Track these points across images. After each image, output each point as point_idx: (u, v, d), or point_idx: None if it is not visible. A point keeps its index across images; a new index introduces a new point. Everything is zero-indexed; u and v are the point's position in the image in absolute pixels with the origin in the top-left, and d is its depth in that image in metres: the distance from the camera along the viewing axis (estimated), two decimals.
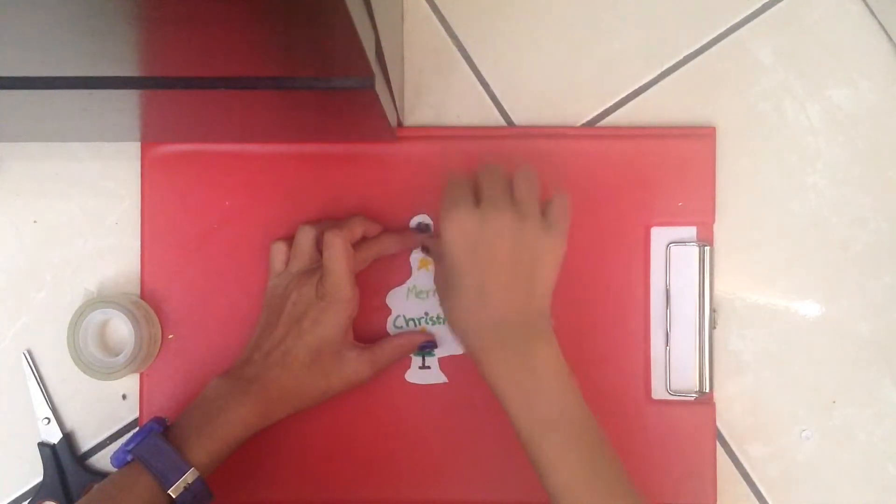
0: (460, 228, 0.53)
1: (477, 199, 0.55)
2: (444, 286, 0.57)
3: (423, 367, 0.63)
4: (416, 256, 0.64)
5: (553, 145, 0.64)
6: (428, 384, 0.63)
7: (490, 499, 0.63)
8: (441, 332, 0.63)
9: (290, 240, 0.62)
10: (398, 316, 0.64)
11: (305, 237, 0.60)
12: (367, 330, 0.63)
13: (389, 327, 0.64)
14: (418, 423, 0.63)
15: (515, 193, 0.55)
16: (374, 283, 0.63)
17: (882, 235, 0.65)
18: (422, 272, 0.64)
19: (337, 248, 0.57)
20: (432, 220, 0.64)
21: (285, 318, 0.58)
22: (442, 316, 0.64)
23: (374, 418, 0.63)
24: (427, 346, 0.63)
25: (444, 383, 0.63)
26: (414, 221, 0.64)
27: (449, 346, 0.63)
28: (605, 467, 0.52)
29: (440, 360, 0.63)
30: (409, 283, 0.64)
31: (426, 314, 0.64)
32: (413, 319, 0.64)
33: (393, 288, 0.64)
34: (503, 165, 0.57)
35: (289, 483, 0.63)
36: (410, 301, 0.64)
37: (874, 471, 0.64)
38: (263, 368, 0.58)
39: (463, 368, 0.63)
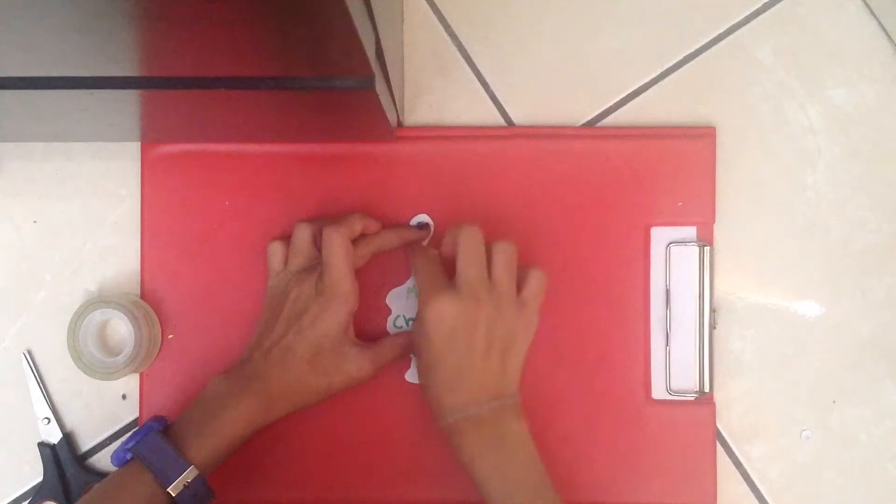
0: (439, 316, 0.55)
1: (450, 272, 0.57)
2: (422, 362, 0.58)
3: None
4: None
5: (553, 145, 0.64)
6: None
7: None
8: None
9: (287, 239, 0.62)
10: (398, 316, 0.64)
11: (303, 235, 0.60)
12: (367, 329, 0.63)
13: (389, 327, 0.64)
14: (418, 423, 0.63)
15: (493, 272, 0.57)
16: (373, 283, 0.63)
17: (882, 235, 0.65)
18: None
19: (336, 243, 0.57)
20: (432, 219, 0.64)
21: (285, 316, 0.58)
22: None
23: (374, 418, 0.63)
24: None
25: None
26: (414, 221, 0.64)
27: None
28: None
29: None
30: (409, 283, 0.64)
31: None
32: (413, 319, 0.64)
33: (393, 288, 0.64)
34: (480, 229, 0.58)
35: (289, 483, 0.63)
36: (410, 301, 0.64)
37: (874, 471, 0.64)
38: (264, 366, 0.58)
39: None
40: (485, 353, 0.56)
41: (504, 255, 0.58)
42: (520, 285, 0.58)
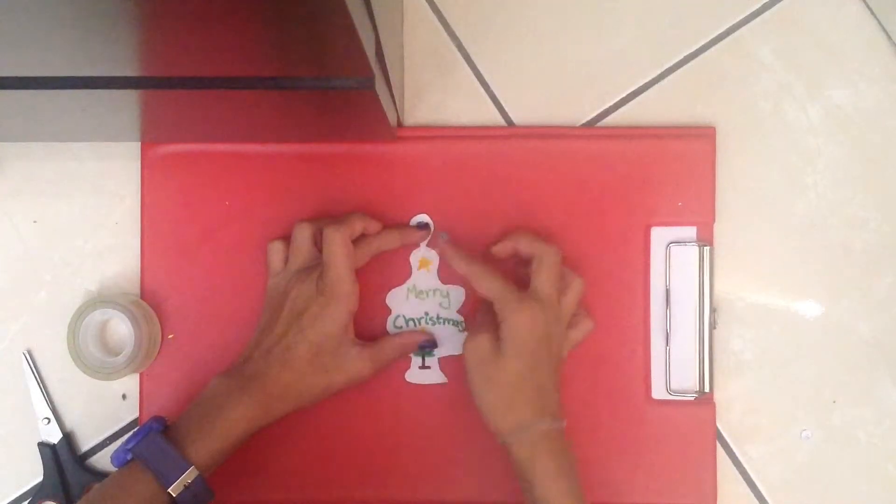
0: (532, 324, 0.55)
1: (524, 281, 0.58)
2: (488, 369, 0.56)
3: (423, 367, 0.63)
4: (417, 256, 0.64)
5: (553, 145, 0.64)
6: (428, 384, 0.63)
7: (490, 499, 0.63)
8: (441, 331, 0.63)
9: (287, 239, 0.62)
10: (398, 316, 0.64)
11: (303, 234, 0.60)
12: (367, 330, 0.63)
13: (389, 327, 0.64)
14: (418, 423, 0.63)
15: (563, 291, 0.58)
16: (374, 283, 0.63)
17: (882, 235, 0.65)
18: (422, 272, 0.64)
19: (337, 243, 0.57)
20: (432, 219, 0.64)
21: (286, 315, 0.58)
22: (441, 316, 0.64)
23: (374, 418, 0.63)
24: (427, 346, 0.63)
25: (444, 383, 0.63)
26: (414, 221, 0.64)
27: (449, 346, 0.63)
28: None
29: (440, 360, 0.63)
30: (409, 283, 0.64)
31: (426, 314, 0.64)
32: (413, 319, 0.64)
33: (393, 288, 0.64)
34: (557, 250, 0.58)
35: (289, 483, 0.63)
36: (410, 301, 0.64)
37: (874, 471, 0.64)
38: (264, 366, 0.58)
39: (463, 368, 0.63)
40: (557, 369, 0.57)
41: (577, 286, 0.59)
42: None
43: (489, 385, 0.56)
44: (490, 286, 0.57)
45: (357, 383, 0.60)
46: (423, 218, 0.64)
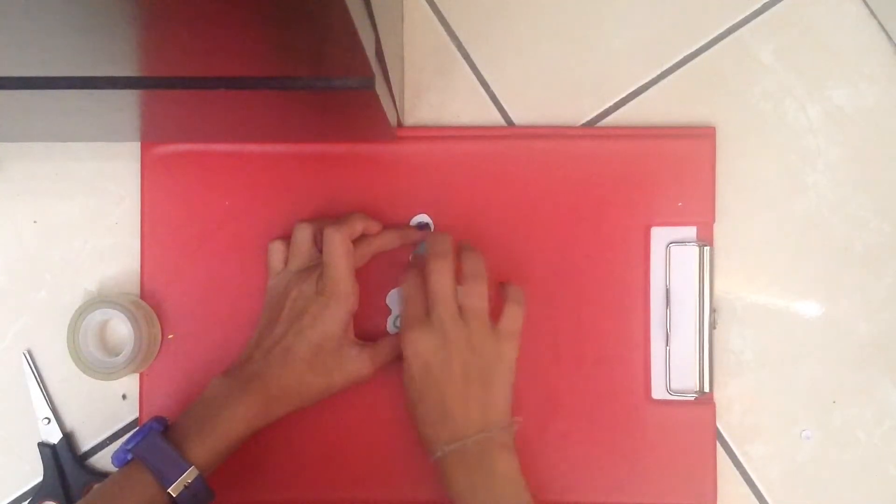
0: (414, 349, 0.56)
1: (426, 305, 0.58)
2: (407, 396, 0.58)
3: None
4: (417, 256, 0.64)
5: (553, 145, 0.64)
6: None
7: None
8: None
9: (287, 239, 0.62)
10: (398, 316, 0.64)
11: (303, 235, 0.60)
12: (367, 330, 0.63)
13: (389, 327, 0.64)
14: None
15: (465, 303, 0.57)
16: (374, 283, 0.63)
17: (882, 235, 0.65)
18: None
19: (337, 243, 0.57)
20: (432, 219, 0.64)
21: (286, 316, 0.58)
22: None
23: (374, 418, 0.63)
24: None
25: None
26: (414, 221, 0.64)
27: None
28: None
29: None
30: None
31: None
32: None
33: (393, 288, 0.64)
34: (450, 259, 0.58)
35: (289, 483, 0.63)
36: None
37: (874, 471, 0.64)
38: (264, 366, 0.58)
39: None
40: (463, 385, 0.56)
41: (475, 281, 0.58)
42: (498, 307, 0.58)
43: (408, 401, 0.58)
44: (402, 308, 0.59)
45: (357, 383, 0.60)
46: (423, 218, 0.64)
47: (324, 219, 0.61)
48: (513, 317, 0.59)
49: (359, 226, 0.60)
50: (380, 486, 0.63)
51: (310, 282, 0.58)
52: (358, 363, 0.59)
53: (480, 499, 0.54)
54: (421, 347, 0.56)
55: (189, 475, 0.53)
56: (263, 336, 0.59)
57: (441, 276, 0.57)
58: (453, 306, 0.57)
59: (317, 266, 0.59)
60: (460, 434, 0.55)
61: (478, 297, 0.57)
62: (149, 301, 0.64)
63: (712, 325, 0.63)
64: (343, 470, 0.63)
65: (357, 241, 0.60)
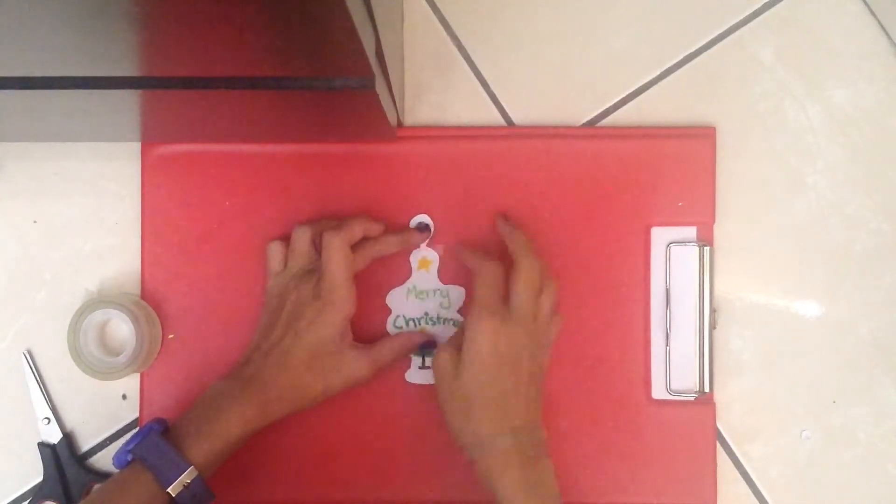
0: (493, 338, 0.55)
1: (504, 295, 0.57)
2: (460, 385, 0.56)
3: (423, 367, 0.63)
4: (417, 256, 0.64)
5: (553, 145, 0.64)
6: (428, 384, 0.63)
7: (490, 499, 0.63)
8: (441, 331, 0.63)
9: (286, 239, 0.62)
10: (398, 316, 0.64)
11: (302, 237, 0.60)
12: (367, 330, 0.63)
13: (389, 327, 0.64)
14: (418, 423, 0.63)
15: (544, 307, 0.58)
16: (374, 283, 0.63)
17: (882, 235, 0.65)
18: (421, 272, 0.64)
19: (335, 249, 0.57)
20: (432, 219, 0.64)
21: (283, 319, 0.58)
22: (442, 316, 0.64)
23: (374, 418, 0.63)
24: (427, 346, 0.63)
25: None
26: (414, 221, 0.64)
27: None
28: None
29: None
30: (409, 283, 0.64)
31: (426, 314, 0.64)
32: (413, 319, 0.64)
33: (393, 288, 0.64)
34: (535, 249, 0.59)
35: (289, 483, 0.63)
36: (410, 301, 0.64)
37: (874, 471, 0.64)
38: (263, 368, 0.58)
39: (436, 400, 0.61)
40: (528, 382, 0.56)
41: (552, 293, 0.59)
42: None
43: (451, 399, 0.57)
44: (478, 292, 0.57)
45: (356, 385, 0.60)
46: (424, 219, 0.64)
47: (324, 221, 0.61)
48: (557, 326, 0.60)
49: (358, 230, 0.60)
50: (380, 486, 0.63)
51: (307, 286, 0.58)
52: (356, 366, 0.59)
53: (534, 496, 0.54)
54: (499, 337, 0.55)
55: (188, 475, 0.53)
56: (262, 339, 0.59)
57: (531, 273, 0.57)
58: (534, 307, 0.58)
59: (315, 269, 0.59)
60: (520, 428, 0.55)
61: (551, 305, 0.59)
62: (149, 301, 0.64)
63: (712, 325, 0.63)
64: (343, 470, 0.63)
65: (357, 244, 0.60)
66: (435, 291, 0.64)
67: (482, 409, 0.55)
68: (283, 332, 0.58)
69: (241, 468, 0.62)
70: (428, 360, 0.63)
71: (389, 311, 0.64)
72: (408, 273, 0.64)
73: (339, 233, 0.58)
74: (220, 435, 0.55)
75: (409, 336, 0.62)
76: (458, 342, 0.57)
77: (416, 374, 0.63)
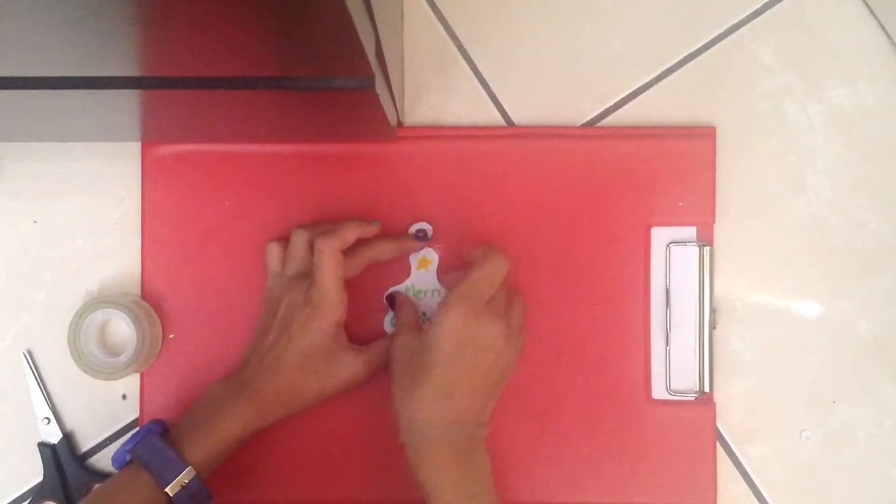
0: (460, 324, 0.55)
1: (492, 296, 0.58)
2: (414, 364, 0.56)
3: None
4: (417, 256, 0.64)
5: (553, 145, 0.64)
6: None
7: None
8: None
9: (284, 240, 0.62)
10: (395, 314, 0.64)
11: (299, 240, 0.60)
12: (365, 329, 0.63)
13: (387, 326, 0.64)
14: None
15: (513, 314, 0.59)
16: (372, 282, 0.63)
17: (882, 235, 0.65)
18: (421, 272, 0.64)
19: (326, 255, 0.57)
20: (431, 221, 0.64)
21: (277, 323, 0.59)
22: None
23: (373, 418, 0.63)
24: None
25: None
26: (413, 228, 0.64)
27: None
28: None
29: None
30: (408, 282, 0.64)
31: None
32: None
33: (391, 287, 0.64)
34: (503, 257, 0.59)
35: (289, 483, 0.63)
36: (410, 297, 0.64)
37: (874, 471, 0.64)
38: (259, 372, 0.58)
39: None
40: (483, 378, 0.56)
41: (520, 303, 0.61)
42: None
43: (398, 378, 0.57)
44: (468, 279, 0.57)
45: (353, 386, 0.60)
46: (423, 225, 0.64)
47: (322, 224, 0.61)
48: (521, 343, 0.60)
49: (352, 235, 0.59)
50: (379, 486, 0.63)
51: (300, 290, 0.58)
52: (351, 368, 0.59)
53: (461, 490, 0.54)
54: (468, 327, 0.55)
55: (186, 475, 0.53)
56: (258, 342, 0.59)
57: (503, 271, 0.58)
58: (507, 311, 0.59)
59: (309, 273, 0.59)
60: (455, 419, 0.55)
61: (520, 319, 0.61)
62: (149, 301, 0.64)
63: (712, 325, 0.63)
64: (342, 470, 0.63)
65: (350, 250, 0.59)
66: (434, 291, 0.64)
67: (424, 391, 0.55)
68: (277, 337, 0.58)
69: (240, 468, 0.62)
70: None
71: (387, 311, 0.64)
72: (407, 273, 0.64)
73: (332, 238, 0.58)
74: (217, 436, 0.55)
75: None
76: (420, 328, 0.59)
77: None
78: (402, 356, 0.58)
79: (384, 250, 0.62)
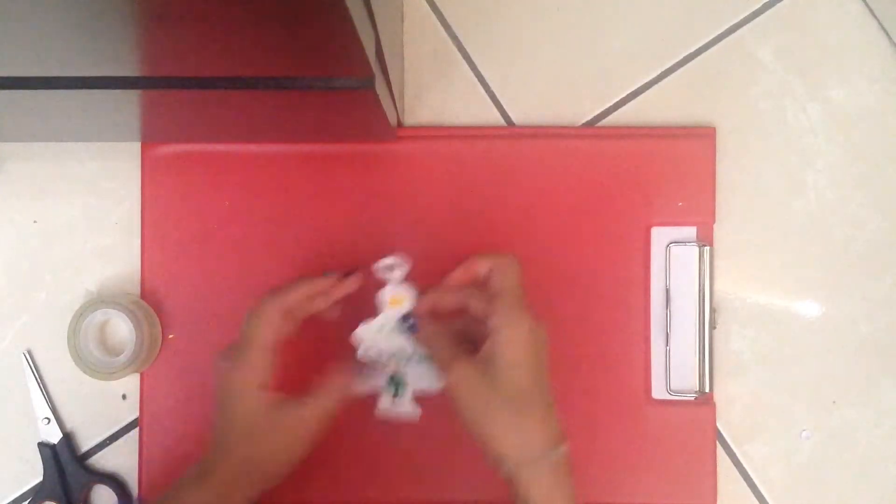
0: (531, 339, 0.51)
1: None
2: (485, 397, 0.51)
3: (395, 401, 0.59)
4: (387, 294, 0.57)
5: (553, 145, 0.64)
6: (401, 418, 0.59)
7: (489, 499, 0.63)
8: (413, 367, 0.58)
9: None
10: (369, 348, 0.58)
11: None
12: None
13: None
14: (418, 424, 0.63)
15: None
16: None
17: (882, 235, 0.65)
18: (393, 309, 0.58)
19: (253, 313, 0.54)
20: (403, 259, 0.57)
21: (215, 397, 0.55)
22: (412, 352, 0.58)
23: (373, 419, 0.63)
24: (395, 378, 0.58)
25: (418, 417, 0.58)
26: (383, 263, 0.57)
27: (422, 381, 0.58)
28: None
29: (414, 394, 0.59)
30: (378, 320, 0.58)
31: (396, 352, 0.58)
32: (385, 353, 0.58)
33: (360, 324, 0.58)
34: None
35: (289, 483, 0.63)
36: (381, 336, 0.58)
37: (874, 471, 0.64)
38: (212, 453, 0.54)
39: (435, 400, 0.57)
40: (551, 389, 0.53)
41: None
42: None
43: (488, 412, 0.50)
44: (501, 284, 0.53)
45: (322, 434, 0.55)
46: (393, 260, 0.57)
47: (284, 289, 0.56)
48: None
49: (293, 295, 0.55)
50: (379, 486, 0.63)
51: (229, 360, 0.54)
52: (305, 423, 0.54)
53: (568, 494, 0.51)
54: (537, 338, 0.51)
55: None
56: (211, 425, 0.55)
57: (520, 273, 0.54)
58: None
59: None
60: (559, 438, 0.52)
61: None
62: (149, 301, 0.64)
63: (712, 325, 0.63)
64: (343, 470, 0.63)
65: (286, 309, 0.55)
66: (404, 332, 0.58)
67: (533, 420, 0.50)
68: (217, 413, 0.54)
69: None
70: (400, 395, 0.58)
71: (357, 348, 0.58)
72: (376, 310, 0.58)
73: (270, 297, 0.54)
74: None
75: (339, 376, 0.56)
76: (466, 355, 0.52)
77: (389, 408, 0.59)
78: (467, 389, 0.51)
79: (317, 304, 0.56)
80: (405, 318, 0.57)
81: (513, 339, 0.51)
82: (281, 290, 0.55)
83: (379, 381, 0.59)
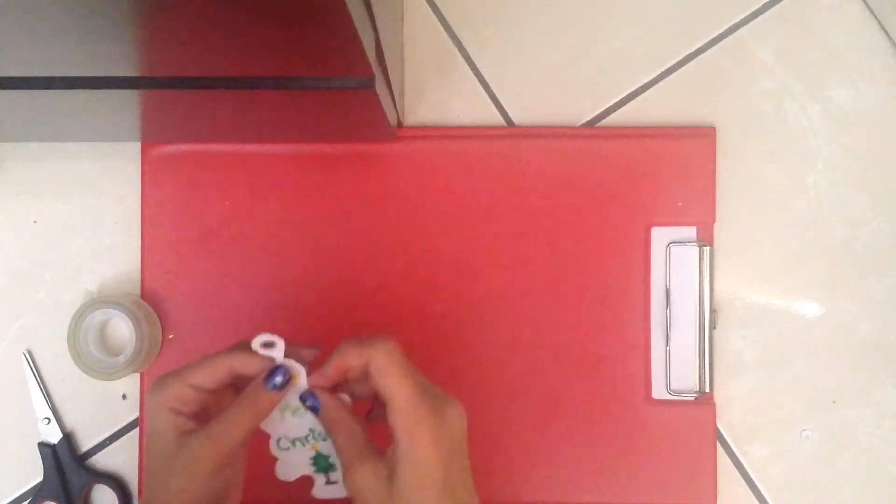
0: (435, 442, 0.44)
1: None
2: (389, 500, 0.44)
3: (329, 483, 0.52)
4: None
5: (553, 145, 0.64)
6: (336, 499, 0.52)
7: (489, 499, 0.63)
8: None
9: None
10: (280, 437, 0.51)
11: None
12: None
13: (274, 450, 0.52)
14: None
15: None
16: None
17: (882, 235, 0.65)
18: (292, 390, 0.50)
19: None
20: (275, 336, 0.49)
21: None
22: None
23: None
24: (319, 458, 0.51)
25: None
26: (260, 341, 0.49)
27: None
28: None
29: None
30: (281, 403, 0.50)
31: (311, 431, 0.50)
32: (298, 439, 0.51)
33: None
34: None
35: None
36: (287, 421, 0.50)
37: (874, 471, 0.64)
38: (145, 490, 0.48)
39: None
40: (470, 493, 0.47)
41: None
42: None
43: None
44: (390, 381, 0.45)
45: (227, 476, 0.49)
46: (269, 338, 0.50)
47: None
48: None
49: (204, 375, 0.50)
50: None
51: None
52: (202, 465, 0.46)
53: None
54: (442, 439, 0.45)
55: None
56: None
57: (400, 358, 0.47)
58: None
59: None
60: None
61: None
62: (149, 301, 0.64)
63: (712, 325, 0.63)
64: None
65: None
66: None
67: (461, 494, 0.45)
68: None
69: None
70: (333, 476, 0.51)
71: (269, 436, 0.51)
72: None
73: (154, 388, 0.49)
74: None
75: (254, 400, 0.48)
76: (369, 450, 0.46)
77: (322, 491, 0.51)
78: (371, 496, 0.45)
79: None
80: (303, 397, 0.50)
81: (414, 458, 0.44)
82: (166, 379, 0.49)
83: (303, 467, 0.52)
